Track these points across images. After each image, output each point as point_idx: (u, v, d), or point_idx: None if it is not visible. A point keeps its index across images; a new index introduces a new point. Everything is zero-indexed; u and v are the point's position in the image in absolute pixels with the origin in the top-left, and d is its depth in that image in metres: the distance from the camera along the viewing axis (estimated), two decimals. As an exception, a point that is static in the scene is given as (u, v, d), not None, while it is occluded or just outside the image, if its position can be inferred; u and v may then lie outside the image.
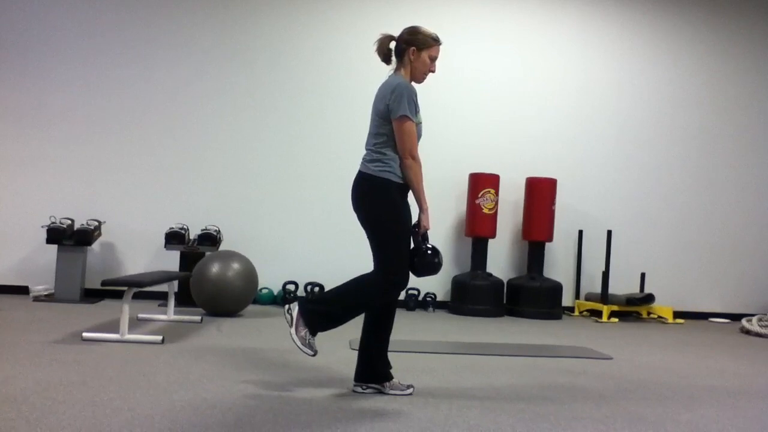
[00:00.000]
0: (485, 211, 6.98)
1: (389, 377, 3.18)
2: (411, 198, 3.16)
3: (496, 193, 7.02)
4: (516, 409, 3.01)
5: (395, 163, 3.07)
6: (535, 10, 7.66)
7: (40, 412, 2.53)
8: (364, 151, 3.21)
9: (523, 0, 7.64)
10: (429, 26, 7.35)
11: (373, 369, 3.16)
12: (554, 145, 7.63)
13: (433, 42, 3.17)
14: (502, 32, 7.60)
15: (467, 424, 2.71)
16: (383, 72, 7.28)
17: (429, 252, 3.11)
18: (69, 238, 6.22)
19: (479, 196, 6.96)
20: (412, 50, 3.14)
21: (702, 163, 7.92)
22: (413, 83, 3.20)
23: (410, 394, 3.16)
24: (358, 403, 2.98)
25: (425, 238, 3.16)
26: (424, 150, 7.02)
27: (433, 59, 3.19)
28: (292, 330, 3.00)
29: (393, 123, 3.05)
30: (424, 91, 7.31)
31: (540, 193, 7.15)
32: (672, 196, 7.85)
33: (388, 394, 3.14)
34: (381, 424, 2.66)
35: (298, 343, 2.97)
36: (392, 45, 3.20)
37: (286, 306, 3.10)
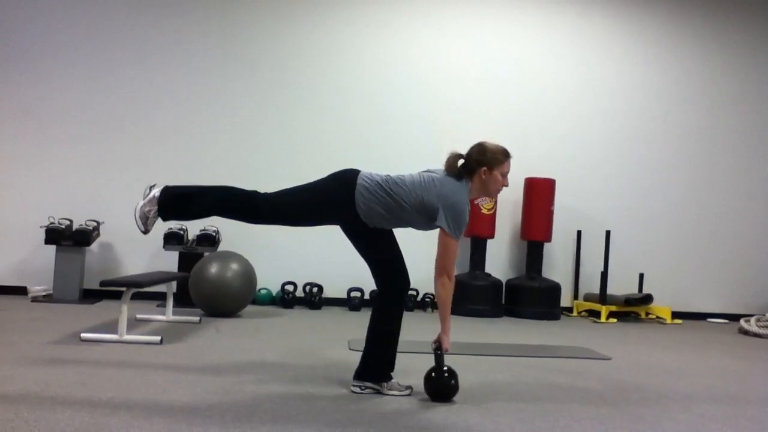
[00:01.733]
0: (484, 211, 6.98)
1: (388, 378, 3.19)
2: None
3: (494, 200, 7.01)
4: (514, 409, 3.01)
5: (376, 205, 2.99)
6: (534, 11, 7.65)
7: (38, 413, 2.53)
8: (374, 173, 3.10)
9: (525, 1, 7.64)
10: (429, 24, 7.36)
11: (374, 368, 3.17)
12: (553, 145, 7.63)
13: (504, 158, 3.10)
14: (502, 32, 7.59)
15: (466, 424, 2.72)
16: (384, 71, 7.29)
17: (446, 375, 3.07)
18: (67, 239, 6.22)
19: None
20: (483, 170, 3.08)
21: (700, 163, 7.92)
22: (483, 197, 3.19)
23: (409, 394, 3.16)
24: (357, 403, 2.98)
25: (443, 360, 3.09)
26: (423, 148, 7.03)
27: (505, 175, 3.12)
28: (141, 202, 3.01)
29: (439, 232, 3.00)
30: (424, 88, 7.32)
31: (539, 194, 7.15)
32: (670, 197, 7.85)
33: (387, 394, 3.14)
34: (380, 423, 2.66)
35: (137, 215, 3.01)
36: (460, 162, 3.11)
37: (151, 183, 3.13)
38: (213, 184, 3.18)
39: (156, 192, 3.04)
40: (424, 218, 3.04)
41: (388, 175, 3.09)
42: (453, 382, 3.08)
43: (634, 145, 7.80)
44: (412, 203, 3.00)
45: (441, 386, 3.08)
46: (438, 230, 3.04)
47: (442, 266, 3.02)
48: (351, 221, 3.09)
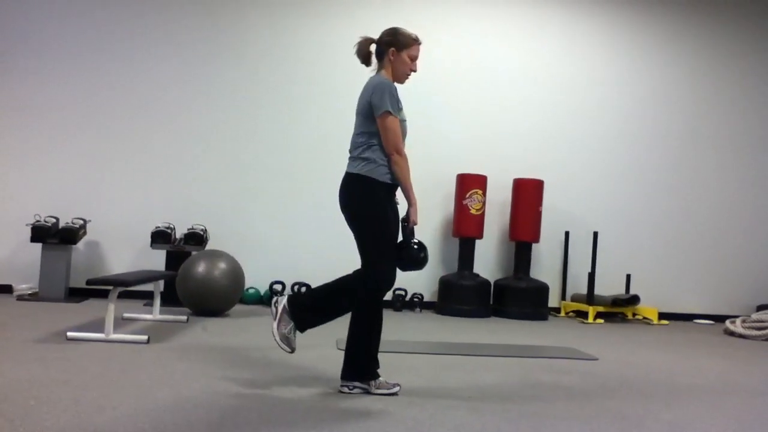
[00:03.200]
0: (472, 211, 7.00)
1: (375, 376, 3.18)
2: (399, 196, 3.17)
3: (484, 194, 7.04)
4: (501, 409, 3.02)
5: (381, 162, 3.09)
6: (523, 11, 7.68)
7: (23, 411, 2.51)
8: (349, 154, 3.23)
9: (513, 1, 7.66)
10: (417, 24, 7.37)
11: (359, 368, 3.16)
12: (541, 146, 7.66)
13: (413, 42, 3.21)
14: (490, 32, 7.62)
15: (453, 424, 2.72)
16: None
17: (415, 246, 3.14)
18: (54, 237, 6.18)
19: (467, 196, 6.97)
20: (392, 51, 3.19)
21: (686, 164, 7.98)
22: (396, 84, 3.24)
23: (396, 393, 3.16)
24: (345, 402, 2.98)
25: (412, 233, 3.18)
26: (412, 150, 6.99)
27: (414, 59, 3.22)
28: (275, 324, 3.04)
29: (377, 120, 3.07)
30: (412, 91, 7.32)
31: (527, 194, 7.17)
32: (657, 198, 7.91)
33: (375, 393, 3.14)
34: (367, 423, 2.66)
35: (278, 339, 3.04)
36: (372, 47, 3.24)
37: (274, 299, 3.13)
38: (329, 282, 3.18)
39: (284, 306, 3.09)
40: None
41: (351, 144, 3.20)
42: (422, 254, 3.15)
43: (622, 146, 7.85)
44: (369, 130, 3.10)
45: (411, 257, 3.13)
46: None
47: (388, 145, 3.08)
48: (392, 200, 3.16)
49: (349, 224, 3.17)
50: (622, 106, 7.87)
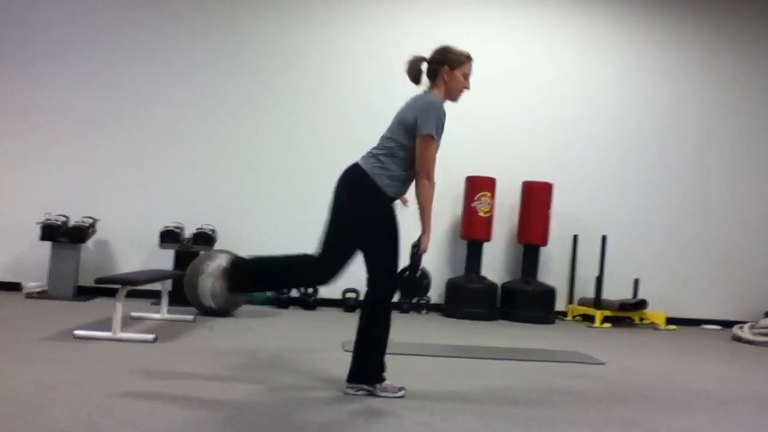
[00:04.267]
0: (481, 214, 6.99)
1: (381, 380, 3.18)
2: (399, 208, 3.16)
3: (492, 197, 7.03)
4: (509, 413, 3.01)
5: (393, 174, 3.06)
6: (533, 14, 7.67)
7: (37, 411, 2.52)
8: (371, 148, 3.17)
9: (521, 2, 7.65)
10: (424, 28, 7.36)
11: (366, 371, 3.16)
12: (550, 149, 7.64)
13: (466, 59, 3.18)
14: (500, 35, 7.60)
15: (460, 428, 2.72)
16: (377, 69, 7.29)
17: (419, 275, 3.11)
18: (63, 235, 6.20)
19: (475, 199, 6.96)
20: (445, 70, 3.15)
21: (696, 169, 7.94)
22: (448, 101, 3.21)
23: (402, 396, 3.15)
24: (351, 404, 2.98)
25: (420, 260, 3.12)
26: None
27: (467, 76, 3.19)
28: (216, 281, 3.02)
29: (417, 139, 3.03)
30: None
31: (536, 197, 7.15)
32: (666, 203, 7.87)
33: (380, 396, 3.14)
34: (372, 426, 2.66)
35: (210, 295, 3.01)
36: (423, 66, 3.19)
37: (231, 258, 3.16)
38: (274, 254, 3.20)
39: (225, 268, 3.10)
40: (414, 143, 3.05)
41: (373, 146, 3.17)
42: (425, 282, 3.13)
43: (632, 151, 7.82)
44: (403, 141, 3.06)
45: (412, 285, 3.12)
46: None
47: (422, 170, 3.05)
48: (387, 207, 3.11)
49: (337, 214, 3.14)
50: (631, 110, 7.84)
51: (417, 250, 3.11)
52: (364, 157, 3.14)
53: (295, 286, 3.20)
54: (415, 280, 3.11)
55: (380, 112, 7.32)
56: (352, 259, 3.13)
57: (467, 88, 3.21)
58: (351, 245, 3.11)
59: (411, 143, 3.07)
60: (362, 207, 3.08)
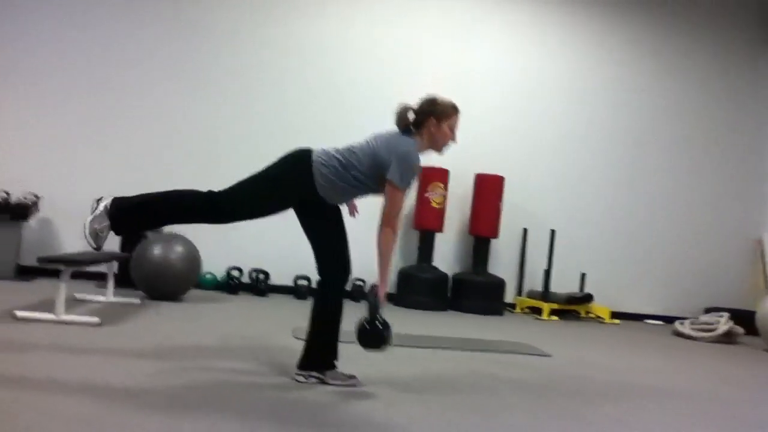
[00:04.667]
0: (434, 204, 7.02)
1: (332, 367, 3.18)
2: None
3: (445, 188, 7.07)
4: (452, 401, 3.05)
5: (334, 182, 2.99)
6: (486, 7, 7.72)
7: (-35, 392, 2.44)
8: (331, 148, 3.08)
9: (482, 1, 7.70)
10: (387, 17, 7.34)
11: (317, 358, 3.16)
12: (504, 143, 7.72)
13: (453, 112, 3.14)
14: (458, 31, 7.63)
15: (401, 415, 2.73)
16: (347, 57, 7.25)
17: (380, 325, 3.00)
18: (4, 212, 6.00)
19: (428, 189, 6.99)
20: (432, 122, 3.10)
21: (641, 168, 8.13)
22: (431, 151, 3.17)
23: (354, 385, 3.16)
24: (299, 392, 2.97)
25: (378, 310, 3.03)
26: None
27: (453, 129, 3.15)
28: (89, 218, 2.91)
29: (387, 186, 2.99)
30: (382, 84, 7.30)
31: (488, 190, 7.23)
32: (613, 200, 8.04)
33: (330, 384, 3.13)
34: (319, 413, 2.65)
35: (87, 232, 2.90)
36: (411, 115, 3.13)
37: (99, 197, 3.03)
38: (162, 190, 3.05)
39: (105, 204, 2.95)
40: (378, 179, 3.02)
41: (339, 148, 3.08)
42: (386, 333, 3.01)
43: (582, 147, 7.96)
44: (365, 168, 3.01)
45: (372, 335, 3.01)
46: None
47: (387, 218, 3.01)
48: (309, 201, 3.06)
49: (322, 219, 3.12)
50: (584, 108, 7.97)
51: (374, 299, 3.04)
52: (321, 149, 3.06)
53: (180, 221, 3.02)
54: (376, 330, 3.00)
55: (344, 100, 7.29)
56: (252, 217, 3.05)
57: (454, 140, 3.17)
58: (260, 203, 3.01)
59: (371, 175, 3.01)
60: (280, 170, 3.01)
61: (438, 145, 3.18)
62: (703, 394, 3.83)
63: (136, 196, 3.02)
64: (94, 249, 2.92)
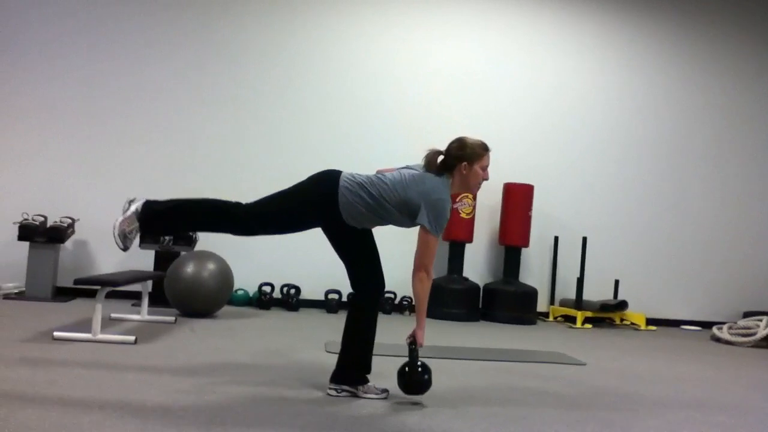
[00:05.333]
0: (463, 215, 7.00)
1: (365, 381, 3.18)
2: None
3: (474, 198, 7.05)
4: (488, 413, 3.02)
5: (357, 209, 2.99)
6: (513, 15, 7.70)
7: (7, 411, 2.49)
8: (356, 173, 3.09)
9: (502, 5, 7.68)
10: (406, 27, 7.37)
11: (350, 372, 3.16)
12: (532, 151, 7.68)
13: (484, 152, 3.11)
14: (482, 37, 7.63)
15: (440, 428, 2.72)
16: (367, 73, 7.29)
17: (419, 370, 3.04)
18: (41, 235, 6.13)
19: (457, 200, 6.98)
20: (464, 165, 3.08)
21: (675, 172, 8.01)
22: (464, 192, 3.19)
23: (385, 398, 3.15)
24: (332, 406, 2.97)
25: (417, 355, 3.07)
26: (405, 151, 7.03)
27: (485, 168, 3.13)
28: (119, 219, 2.93)
29: (420, 232, 2.99)
30: (405, 91, 7.32)
31: (517, 199, 7.19)
32: (646, 205, 7.94)
33: (363, 397, 3.13)
34: (354, 428, 2.65)
35: (116, 233, 2.91)
36: (440, 158, 3.12)
37: (132, 197, 3.07)
38: (194, 196, 3.10)
39: (136, 207, 2.98)
40: (406, 216, 3.04)
41: (369, 176, 3.09)
42: (426, 377, 3.07)
43: (613, 153, 7.88)
44: (393, 202, 3.01)
45: (414, 381, 3.07)
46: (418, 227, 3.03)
47: (421, 263, 3.00)
48: (333, 222, 3.08)
49: (353, 239, 3.14)
50: (613, 114, 7.90)
51: (414, 346, 3.08)
52: (349, 174, 3.06)
53: (207, 229, 3.12)
54: (416, 376, 3.04)
55: (365, 115, 7.32)
56: (277, 232, 3.12)
57: (486, 179, 3.15)
58: (285, 218, 3.04)
59: (398, 209, 3.00)
60: (306, 190, 3.05)
61: (471, 187, 3.16)
62: (750, 404, 3.74)
63: (168, 201, 3.08)
64: (122, 249, 2.96)
